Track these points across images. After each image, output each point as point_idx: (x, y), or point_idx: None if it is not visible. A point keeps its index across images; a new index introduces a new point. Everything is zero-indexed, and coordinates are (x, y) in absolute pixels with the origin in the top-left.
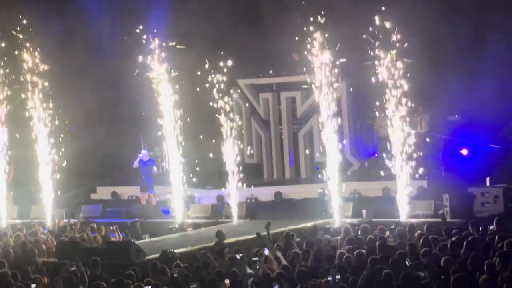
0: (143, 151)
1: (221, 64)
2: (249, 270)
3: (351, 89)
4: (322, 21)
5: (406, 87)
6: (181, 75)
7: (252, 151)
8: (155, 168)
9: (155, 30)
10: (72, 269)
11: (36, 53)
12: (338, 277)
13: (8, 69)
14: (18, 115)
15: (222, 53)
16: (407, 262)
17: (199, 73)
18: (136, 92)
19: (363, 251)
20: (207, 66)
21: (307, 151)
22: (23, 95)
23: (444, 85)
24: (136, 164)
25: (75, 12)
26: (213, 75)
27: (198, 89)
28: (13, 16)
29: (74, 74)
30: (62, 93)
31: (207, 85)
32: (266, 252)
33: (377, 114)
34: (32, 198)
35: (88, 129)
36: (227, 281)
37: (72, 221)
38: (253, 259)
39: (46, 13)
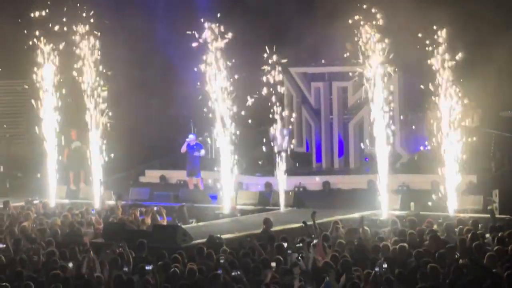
0: (191, 136)
1: (274, 53)
2: (295, 259)
3: (403, 81)
4: (376, 12)
5: (459, 80)
6: (235, 63)
7: (301, 140)
8: (203, 151)
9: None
10: (118, 250)
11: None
12: (384, 266)
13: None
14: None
15: (275, 42)
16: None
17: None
18: (189, 76)
19: (406, 244)
20: (265, 55)
21: (362, 145)
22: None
23: (497, 80)
24: (183, 149)
25: None
26: (266, 64)
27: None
28: None
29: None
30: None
31: (260, 72)
32: (313, 241)
33: (428, 107)
34: (80, 179)
35: (139, 111)
36: (273, 264)
37: (120, 203)
38: (299, 247)
39: None
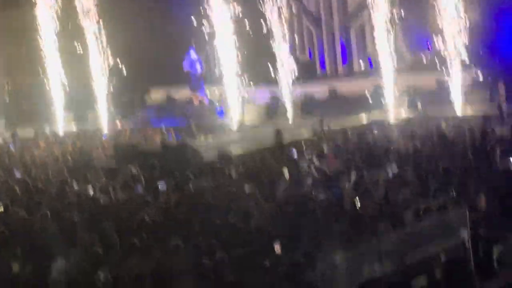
0: (191, 52)
1: None
2: (306, 168)
3: None
4: None
5: None
6: None
7: (304, 48)
8: (198, 67)
9: None
10: (130, 172)
11: None
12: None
13: None
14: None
15: None
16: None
17: None
18: None
19: (418, 144)
20: None
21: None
22: None
23: None
24: (185, 65)
25: None
26: None
27: None
28: None
29: None
30: None
31: None
32: (324, 150)
33: (430, 6)
34: (88, 105)
35: (139, 31)
36: (286, 171)
37: (128, 126)
38: (310, 157)
39: None
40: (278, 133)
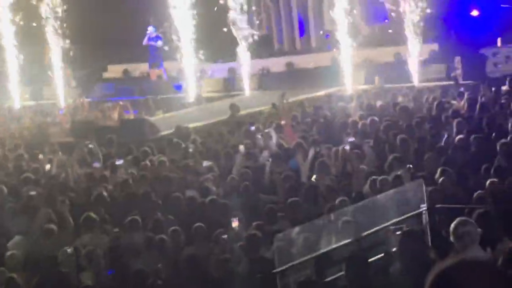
0: (150, 28)
1: None
2: (263, 142)
3: None
4: None
5: None
6: None
7: (261, 23)
8: (160, 43)
9: None
10: (88, 147)
11: None
12: (351, 140)
13: None
14: None
15: None
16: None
17: None
18: None
19: (376, 118)
20: None
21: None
22: None
23: None
24: (145, 41)
25: None
26: None
27: None
28: None
29: None
30: None
31: None
32: (282, 122)
33: None
34: (43, 79)
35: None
36: (241, 147)
37: (86, 100)
38: (268, 130)
39: None
40: (235, 106)
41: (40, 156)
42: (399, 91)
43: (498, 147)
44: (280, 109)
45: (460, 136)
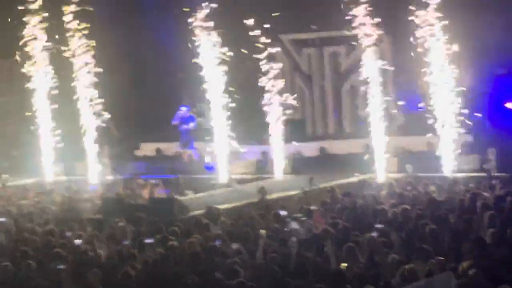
0: (183, 108)
1: (264, 20)
2: (294, 227)
3: (395, 45)
4: None
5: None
6: (225, 31)
7: (295, 107)
8: (191, 124)
9: None
10: (118, 225)
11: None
12: (379, 227)
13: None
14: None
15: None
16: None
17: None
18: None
19: (408, 206)
20: (252, 21)
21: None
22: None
23: (489, 38)
24: (175, 121)
25: None
26: (256, 30)
27: (241, 45)
28: None
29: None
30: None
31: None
32: (312, 208)
33: (420, 68)
34: (76, 155)
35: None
36: (262, 232)
37: (118, 178)
38: (298, 215)
39: None
40: (263, 189)
41: (68, 232)
42: (431, 181)
43: None
44: (309, 194)
45: (492, 230)
